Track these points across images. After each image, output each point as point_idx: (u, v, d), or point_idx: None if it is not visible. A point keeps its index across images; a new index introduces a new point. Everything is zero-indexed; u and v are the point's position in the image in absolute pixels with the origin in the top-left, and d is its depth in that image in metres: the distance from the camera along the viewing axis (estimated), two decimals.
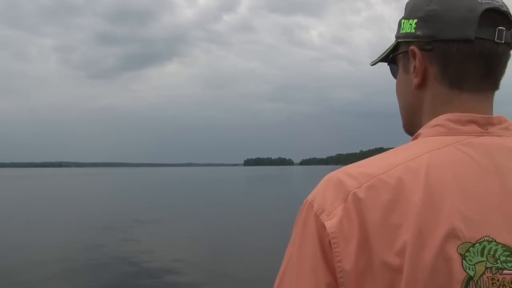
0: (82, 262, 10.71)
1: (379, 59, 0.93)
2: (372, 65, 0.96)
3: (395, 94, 0.90)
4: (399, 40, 0.87)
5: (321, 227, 0.70)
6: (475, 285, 0.64)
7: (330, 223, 0.69)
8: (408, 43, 0.83)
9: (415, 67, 0.82)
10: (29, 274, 9.37)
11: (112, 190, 43.98)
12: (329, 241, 0.69)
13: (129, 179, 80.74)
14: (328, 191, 0.73)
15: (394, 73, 0.91)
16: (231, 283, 8.94)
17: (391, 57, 0.90)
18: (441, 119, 0.78)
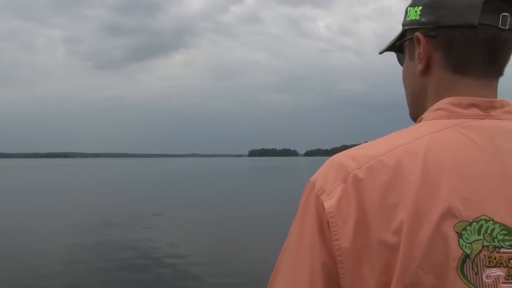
0: (86, 250, 10.72)
1: (386, 47, 0.94)
2: (380, 53, 0.97)
3: (402, 84, 0.91)
4: (405, 28, 0.87)
5: (320, 207, 0.72)
6: (472, 263, 0.65)
7: (329, 203, 0.71)
8: (414, 30, 0.84)
9: (419, 53, 0.82)
10: (34, 262, 9.38)
11: (116, 180, 44.04)
12: (328, 220, 0.70)
13: (133, 169, 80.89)
14: (329, 172, 0.75)
15: (401, 61, 0.92)
16: (237, 271, 8.93)
17: (398, 44, 0.90)
18: (443, 103, 0.79)
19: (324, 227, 0.71)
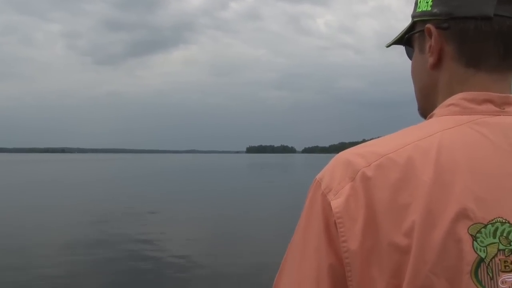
0: (84, 246, 10.65)
1: (394, 40, 0.90)
2: (387, 46, 0.94)
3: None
4: (415, 20, 0.84)
5: (327, 206, 0.69)
6: (487, 267, 0.62)
7: (336, 203, 0.68)
8: (424, 22, 0.80)
9: (430, 46, 0.79)
10: (30, 257, 9.31)
11: (114, 176, 43.93)
12: (335, 221, 0.68)
13: (131, 165, 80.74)
14: (336, 170, 0.71)
15: (410, 54, 0.89)
16: (236, 268, 8.87)
17: (407, 37, 0.87)
18: (455, 98, 0.76)
19: (331, 227, 0.68)
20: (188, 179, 39.04)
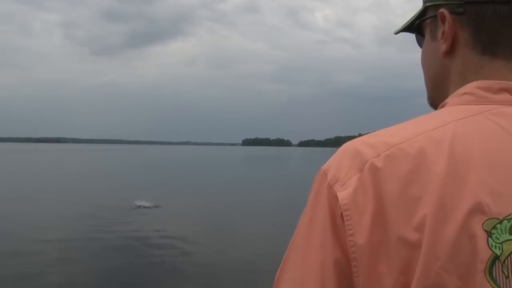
0: (79, 237, 10.67)
1: (403, 26, 0.86)
2: (395, 33, 0.89)
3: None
4: (427, 5, 0.79)
5: (333, 198, 0.66)
6: (502, 265, 0.59)
7: (343, 194, 0.65)
8: (437, 7, 0.76)
9: (443, 32, 0.75)
10: (21, 249, 9.27)
11: (109, 167, 43.87)
12: (341, 213, 0.65)
13: (126, 156, 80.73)
14: (344, 160, 0.68)
15: (420, 42, 0.85)
16: (231, 260, 8.91)
17: (417, 23, 0.82)
18: (470, 86, 0.72)
19: (337, 220, 0.65)
20: (184, 171, 39.02)
